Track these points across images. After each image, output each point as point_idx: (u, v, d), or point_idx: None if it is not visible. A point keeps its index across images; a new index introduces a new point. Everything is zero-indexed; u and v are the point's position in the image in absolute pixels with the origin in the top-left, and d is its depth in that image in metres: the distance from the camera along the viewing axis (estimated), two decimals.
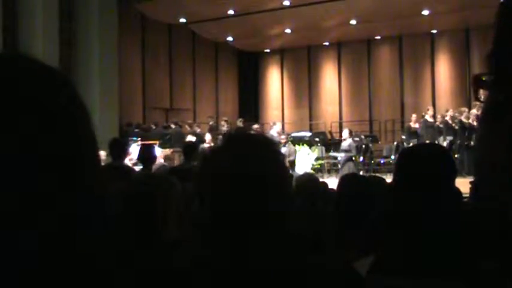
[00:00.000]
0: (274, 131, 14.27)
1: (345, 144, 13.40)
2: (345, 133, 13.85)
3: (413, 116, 15.76)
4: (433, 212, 1.80)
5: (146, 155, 6.33)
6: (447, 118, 14.86)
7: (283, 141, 13.22)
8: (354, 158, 13.44)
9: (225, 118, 17.48)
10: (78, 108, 0.70)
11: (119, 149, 5.92)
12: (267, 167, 1.20)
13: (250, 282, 1.13)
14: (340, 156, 13.48)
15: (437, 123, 15.01)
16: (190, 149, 7.13)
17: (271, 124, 14.92)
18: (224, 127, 16.42)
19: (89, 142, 0.70)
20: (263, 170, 1.19)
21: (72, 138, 0.67)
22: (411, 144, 14.84)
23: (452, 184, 1.98)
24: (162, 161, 12.54)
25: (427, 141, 14.40)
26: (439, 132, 14.82)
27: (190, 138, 13.60)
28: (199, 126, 16.81)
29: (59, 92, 0.68)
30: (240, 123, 16.44)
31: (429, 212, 1.79)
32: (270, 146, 1.27)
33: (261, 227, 1.16)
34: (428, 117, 15.05)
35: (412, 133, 15.32)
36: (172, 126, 16.29)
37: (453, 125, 14.68)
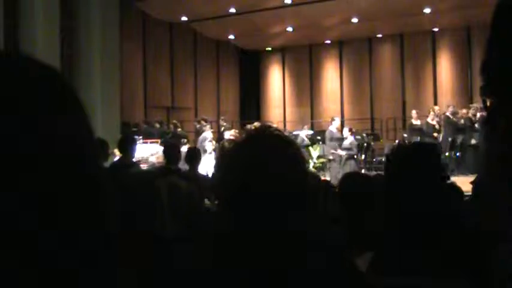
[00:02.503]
0: (333, 127, 13.94)
1: (346, 143, 13.44)
2: (346, 131, 13.87)
3: (414, 112, 15.56)
4: (426, 210, 1.80)
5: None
6: (470, 115, 14.46)
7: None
8: (355, 156, 13.46)
9: (205, 117, 17.37)
10: (76, 108, 0.70)
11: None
12: (287, 167, 1.20)
13: (256, 280, 1.13)
14: (342, 154, 13.50)
15: (454, 119, 14.68)
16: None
17: (330, 120, 14.67)
18: (206, 127, 16.35)
19: (89, 142, 0.70)
20: (283, 170, 1.19)
21: (71, 139, 0.67)
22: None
23: (439, 183, 1.97)
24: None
25: (442, 139, 14.29)
26: (458, 129, 14.43)
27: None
28: (181, 127, 16.82)
29: (57, 92, 0.68)
30: (222, 121, 16.37)
31: (423, 211, 1.79)
32: (290, 145, 1.27)
33: (281, 225, 1.16)
34: (450, 114, 14.79)
35: (414, 130, 15.18)
36: (157, 125, 16.36)
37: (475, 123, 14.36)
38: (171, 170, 5.81)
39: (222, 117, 17.26)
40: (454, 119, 14.61)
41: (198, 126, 16.11)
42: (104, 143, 5.86)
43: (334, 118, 14.38)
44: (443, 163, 2.07)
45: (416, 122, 15.27)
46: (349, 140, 13.44)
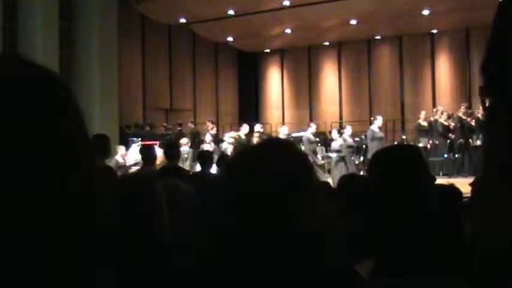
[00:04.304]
0: (375, 126, 13.54)
1: (335, 145, 13.08)
2: (334, 133, 13.73)
3: (422, 113, 15.45)
4: (413, 212, 1.80)
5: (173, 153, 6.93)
6: (479, 115, 13.99)
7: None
8: (345, 158, 13.09)
9: (192, 119, 17.39)
10: (75, 111, 0.70)
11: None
12: (291, 167, 1.21)
13: (256, 280, 1.13)
14: (332, 156, 13.20)
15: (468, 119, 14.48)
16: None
17: (372, 119, 14.33)
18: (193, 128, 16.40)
19: (86, 145, 0.70)
20: (287, 169, 1.20)
21: (71, 141, 0.67)
22: (421, 143, 14.54)
23: (426, 185, 1.96)
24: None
25: (460, 140, 14.18)
26: (470, 130, 14.28)
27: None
28: (172, 129, 16.87)
29: (56, 95, 0.68)
30: (209, 122, 16.36)
31: (410, 212, 1.79)
32: (296, 150, 1.28)
33: (279, 227, 1.16)
34: (462, 115, 14.61)
35: (422, 131, 15.11)
36: (148, 128, 16.45)
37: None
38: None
39: (209, 119, 17.29)
40: (468, 119, 14.53)
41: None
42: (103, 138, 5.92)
43: (377, 117, 13.92)
44: (429, 164, 2.07)
45: (424, 123, 15.18)
46: (338, 141, 13.07)
